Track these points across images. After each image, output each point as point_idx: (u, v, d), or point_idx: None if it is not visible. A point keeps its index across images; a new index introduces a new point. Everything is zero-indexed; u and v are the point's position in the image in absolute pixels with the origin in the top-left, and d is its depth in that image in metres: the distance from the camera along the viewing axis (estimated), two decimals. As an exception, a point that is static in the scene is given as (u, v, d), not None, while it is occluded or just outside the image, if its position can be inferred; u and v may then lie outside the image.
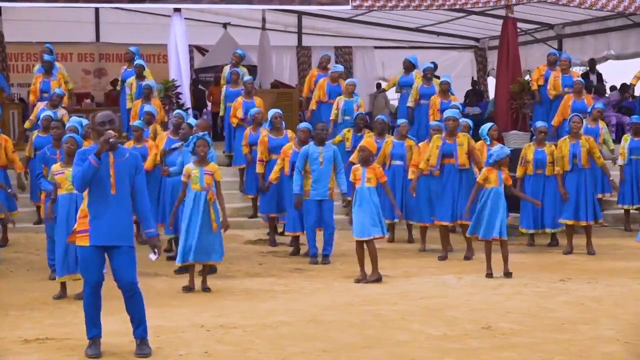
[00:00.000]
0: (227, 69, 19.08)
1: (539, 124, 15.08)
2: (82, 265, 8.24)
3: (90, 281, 8.16)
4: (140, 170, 8.29)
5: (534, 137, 15.02)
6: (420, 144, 14.74)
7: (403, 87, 19.12)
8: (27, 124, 17.77)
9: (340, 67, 19.31)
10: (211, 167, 11.50)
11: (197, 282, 11.52)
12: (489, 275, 12.27)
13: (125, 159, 8.14)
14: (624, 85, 23.74)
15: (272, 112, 15.09)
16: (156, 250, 8.27)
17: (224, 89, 18.61)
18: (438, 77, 18.84)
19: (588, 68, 24.45)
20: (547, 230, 14.94)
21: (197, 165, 11.45)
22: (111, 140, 7.91)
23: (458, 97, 19.21)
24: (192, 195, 11.39)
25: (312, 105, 18.60)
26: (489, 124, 14.96)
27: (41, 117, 15.59)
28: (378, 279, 11.99)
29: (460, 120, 14.17)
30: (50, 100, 16.94)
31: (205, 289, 11.42)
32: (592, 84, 22.61)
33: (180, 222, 12.01)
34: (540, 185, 14.72)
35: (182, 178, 11.53)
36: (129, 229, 8.21)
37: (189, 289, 11.42)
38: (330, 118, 17.69)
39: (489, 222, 12.25)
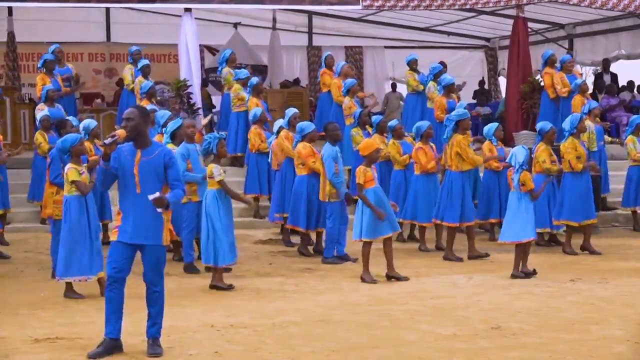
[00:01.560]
0: (231, 70, 18.88)
1: (549, 125, 14.94)
2: (108, 257, 8.25)
3: (110, 274, 8.19)
4: (172, 165, 8.18)
5: (538, 137, 14.86)
6: (422, 146, 14.53)
7: (425, 83, 19.10)
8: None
9: (344, 62, 19.26)
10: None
11: (206, 281, 11.58)
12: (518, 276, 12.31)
13: (153, 157, 8.11)
14: (630, 82, 23.71)
15: (291, 112, 15.02)
16: (159, 195, 7.97)
17: (240, 90, 18.37)
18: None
19: (600, 68, 24.40)
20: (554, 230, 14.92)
21: (219, 164, 11.53)
22: (105, 143, 7.92)
23: (466, 97, 19.21)
24: (220, 194, 11.46)
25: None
26: (494, 125, 14.94)
27: (40, 117, 15.41)
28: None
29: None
30: (47, 98, 16.66)
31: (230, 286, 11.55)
32: (605, 84, 22.56)
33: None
34: (555, 185, 14.71)
35: (220, 177, 11.37)
36: (156, 228, 8.17)
37: (230, 286, 11.51)
38: (348, 123, 17.58)
39: (529, 224, 12.28)
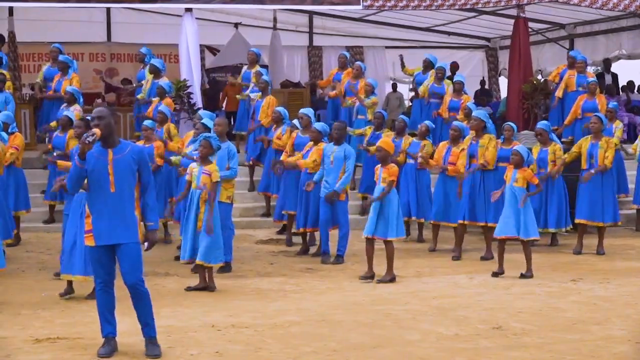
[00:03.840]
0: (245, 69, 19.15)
1: (538, 125, 15.03)
2: (92, 264, 8.28)
3: (99, 280, 8.18)
4: (145, 164, 8.20)
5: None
6: (440, 145, 14.68)
7: (419, 84, 19.10)
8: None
9: (360, 63, 19.26)
10: (210, 167, 11.54)
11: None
12: (496, 274, 12.31)
13: (124, 154, 8.07)
14: (630, 82, 23.70)
15: (299, 112, 15.06)
16: (147, 243, 8.19)
17: (250, 88, 18.56)
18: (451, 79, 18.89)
19: (600, 68, 24.38)
20: (550, 229, 14.89)
21: (198, 164, 11.53)
22: (87, 140, 7.84)
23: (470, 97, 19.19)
24: (191, 193, 11.53)
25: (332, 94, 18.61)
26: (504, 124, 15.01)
27: (59, 117, 15.55)
28: (392, 279, 12.01)
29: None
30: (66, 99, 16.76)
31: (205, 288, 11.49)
32: (606, 84, 22.56)
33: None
34: (544, 185, 14.72)
35: (187, 177, 11.62)
36: (131, 225, 8.12)
37: (193, 288, 11.45)
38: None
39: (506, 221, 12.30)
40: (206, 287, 11.42)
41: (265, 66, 23.92)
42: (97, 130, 7.95)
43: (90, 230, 8.11)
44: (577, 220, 14.54)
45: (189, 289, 11.40)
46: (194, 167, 11.59)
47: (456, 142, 14.33)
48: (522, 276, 12.24)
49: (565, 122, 17.78)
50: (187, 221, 11.57)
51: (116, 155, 8.05)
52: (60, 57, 18.15)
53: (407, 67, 20.05)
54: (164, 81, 17.75)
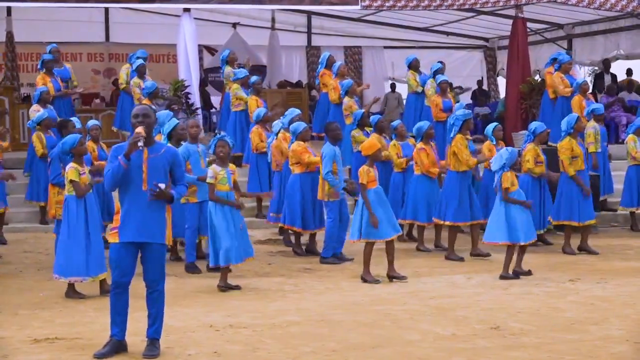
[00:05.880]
0: (232, 69, 18.87)
1: (544, 127, 14.95)
2: (111, 262, 8.25)
3: (114, 279, 8.18)
4: (179, 165, 8.28)
5: (529, 137, 14.82)
6: (424, 146, 14.45)
7: (423, 83, 19.10)
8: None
9: (340, 63, 19.25)
10: (232, 167, 11.61)
11: (209, 281, 11.55)
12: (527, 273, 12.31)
13: (160, 154, 8.13)
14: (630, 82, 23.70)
15: (294, 113, 14.90)
16: (161, 186, 8.04)
17: (238, 89, 18.29)
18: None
19: (599, 68, 24.39)
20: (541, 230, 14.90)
21: (222, 166, 11.46)
22: (139, 144, 7.92)
23: (464, 97, 19.23)
24: (222, 196, 11.39)
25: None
26: (493, 124, 14.94)
27: (39, 118, 15.32)
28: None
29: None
30: (40, 100, 16.43)
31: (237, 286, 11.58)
32: (605, 84, 22.55)
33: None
34: (546, 185, 14.74)
35: (209, 180, 11.38)
36: (159, 226, 8.18)
37: (233, 287, 11.51)
38: (348, 122, 17.53)
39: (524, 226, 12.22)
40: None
41: (264, 66, 23.99)
42: (140, 130, 8.00)
43: (117, 227, 8.14)
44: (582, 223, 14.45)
45: (237, 287, 11.52)
46: (217, 170, 11.43)
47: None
48: (504, 276, 12.27)
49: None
50: (228, 224, 11.35)
51: (151, 155, 8.09)
52: (46, 56, 17.96)
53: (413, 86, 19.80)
54: (150, 81, 17.70)
